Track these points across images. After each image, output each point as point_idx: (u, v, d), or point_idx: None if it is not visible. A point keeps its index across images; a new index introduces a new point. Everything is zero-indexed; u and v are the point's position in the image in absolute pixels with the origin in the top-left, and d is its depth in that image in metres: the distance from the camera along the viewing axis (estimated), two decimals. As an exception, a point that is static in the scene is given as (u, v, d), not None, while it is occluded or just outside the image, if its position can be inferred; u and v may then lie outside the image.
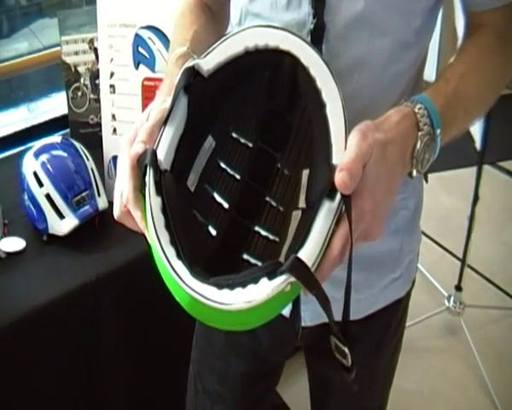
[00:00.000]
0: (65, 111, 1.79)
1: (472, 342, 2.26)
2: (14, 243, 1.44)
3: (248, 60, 0.73)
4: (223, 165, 0.79)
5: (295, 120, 0.77)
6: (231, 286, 0.62)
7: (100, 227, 1.46)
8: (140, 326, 1.49)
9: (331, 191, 0.64)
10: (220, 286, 0.62)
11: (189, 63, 0.73)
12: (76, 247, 1.43)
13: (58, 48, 1.75)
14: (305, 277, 0.61)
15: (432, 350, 2.34)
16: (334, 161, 0.66)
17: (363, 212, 0.66)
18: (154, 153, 0.69)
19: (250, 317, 0.63)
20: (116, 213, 0.74)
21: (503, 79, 0.86)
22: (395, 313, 1.08)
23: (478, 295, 2.49)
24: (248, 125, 0.80)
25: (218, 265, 0.71)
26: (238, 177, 0.79)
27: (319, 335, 0.93)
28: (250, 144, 0.80)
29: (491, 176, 2.89)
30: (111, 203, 1.47)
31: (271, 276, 0.61)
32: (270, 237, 0.76)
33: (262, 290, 0.60)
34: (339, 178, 0.63)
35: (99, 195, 1.46)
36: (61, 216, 1.42)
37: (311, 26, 0.80)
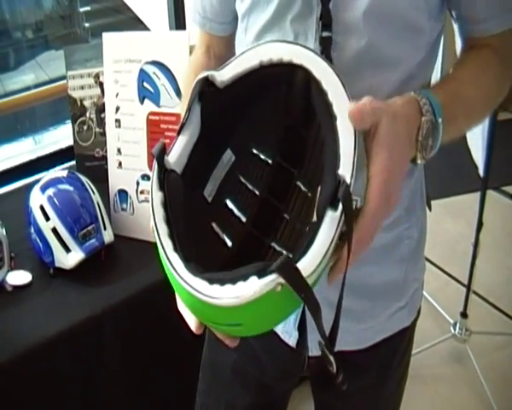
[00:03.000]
0: (70, 142, 1.82)
1: (478, 368, 2.25)
2: (21, 277, 1.46)
3: (263, 73, 0.74)
4: (243, 179, 0.81)
5: (311, 136, 0.77)
6: (222, 282, 0.63)
7: (106, 260, 1.48)
8: (145, 359, 1.50)
9: (334, 200, 0.64)
10: (211, 281, 0.63)
11: (203, 74, 0.74)
12: (82, 280, 1.44)
13: (64, 81, 1.78)
14: (294, 278, 0.61)
15: (438, 378, 2.32)
16: (341, 171, 0.65)
17: (383, 164, 0.67)
18: (163, 148, 0.71)
19: (241, 315, 0.64)
20: None
21: (499, 91, 0.88)
22: (400, 342, 1.08)
23: (483, 322, 2.48)
24: (268, 142, 0.81)
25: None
26: (257, 192, 0.80)
27: (325, 365, 0.94)
28: (270, 161, 0.81)
29: (494, 201, 2.90)
30: (117, 237, 1.50)
31: (261, 275, 0.61)
32: (284, 252, 0.76)
33: (250, 287, 0.61)
34: (351, 109, 0.66)
35: (105, 228, 1.47)
36: (68, 250, 1.43)
37: None
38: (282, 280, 0.60)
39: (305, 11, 0.82)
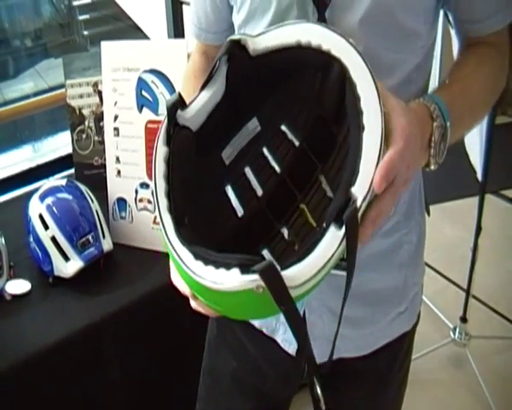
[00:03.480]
0: (69, 150, 1.82)
1: (478, 373, 2.24)
2: (20, 286, 1.46)
3: (301, 54, 0.71)
4: (266, 152, 0.79)
5: (340, 136, 0.74)
6: (206, 261, 0.62)
7: (105, 269, 1.48)
8: (144, 367, 1.50)
9: (339, 218, 0.61)
10: (196, 256, 0.63)
11: (235, 36, 0.72)
12: (81, 289, 1.44)
13: (63, 89, 1.79)
14: (276, 286, 0.59)
15: (438, 382, 2.32)
16: (355, 190, 0.62)
17: (408, 132, 0.65)
18: (176, 101, 0.70)
19: (218, 298, 0.63)
20: None
21: (498, 84, 0.90)
22: (401, 347, 1.08)
23: (483, 326, 2.47)
24: (297, 124, 0.78)
25: (233, 246, 0.69)
26: (278, 170, 0.79)
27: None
28: (297, 143, 0.78)
29: (493, 204, 2.89)
30: (116, 245, 1.50)
31: (244, 270, 0.59)
32: (291, 244, 0.75)
33: (229, 280, 0.60)
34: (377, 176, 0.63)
35: (104, 237, 1.47)
36: (67, 258, 1.43)
37: None
38: (262, 284, 0.58)
39: (301, 20, 0.83)
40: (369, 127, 0.64)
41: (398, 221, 0.94)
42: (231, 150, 0.78)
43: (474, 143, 2.09)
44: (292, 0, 0.82)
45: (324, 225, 0.62)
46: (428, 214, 1.05)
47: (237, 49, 0.72)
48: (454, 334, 2.37)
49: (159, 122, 1.46)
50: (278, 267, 0.59)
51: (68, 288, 1.45)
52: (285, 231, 0.76)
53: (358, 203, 0.61)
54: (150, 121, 1.48)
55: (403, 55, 0.84)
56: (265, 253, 0.75)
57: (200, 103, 0.73)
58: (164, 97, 1.45)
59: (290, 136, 0.79)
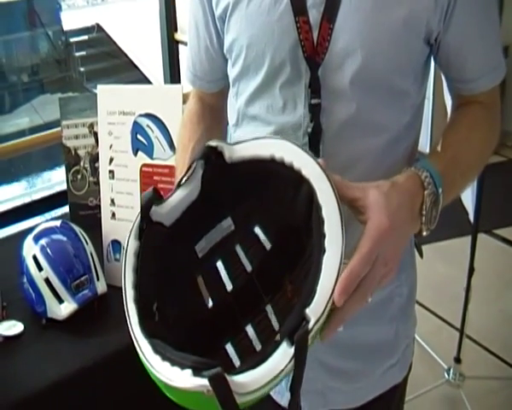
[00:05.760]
0: (64, 187, 1.83)
1: (473, 414, 2.24)
2: (12, 327, 1.44)
3: (274, 169, 0.76)
4: (238, 250, 0.82)
5: (308, 248, 0.76)
6: (163, 357, 0.65)
7: (99, 311, 1.47)
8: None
9: (292, 336, 0.64)
10: (156, 350, 0.66)
11: (214, 142, 0.77)
12: (74, 331, 1.43)
13: (58, 128, 1.80)
14: (222, 394, 0.61)
15: (433, 424, 2.31)
16: (309, 311, 0.65)
17: (382, 228, 0.68)
18: (151, 198, 0.74)
19: (172, 392, 0.65)
20: None
21: (490, 146, 0.92)
22: (392, 398, 1.08)
23: (477, 366, 2.47)
24: (270, 229, 0.82)
25: (200, 336, 0.75)
26: (249, 269, 0.82)
27: None
28: (268, 246, 0.82)
29: (486, 243, 2.91)
30: (110, 287, 1.50)
31: (196, 373, 0.62)
32: (254, 343, 0.77)
33: (181, 379, 0.62)
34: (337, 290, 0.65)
35: (98, 279, 1.47)
36: (60, 300, 1.43)
37: (309, 130, 0.85)
38: (211, 389, 0.61)
39: (294, 78, 0.85)
40: (329, 251, 0.67)
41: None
42: (205, 244, 0.82)
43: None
44: (285, 58, 0.84)
45: (279, 338, 0.65)
46: (421, 256, 1.05)
47: (213, 156, 0.77)
48: (448, 375, 2.36)
49: (154, 166, 1.48)
50: (227, 376, 0.61)
51: (61, 330, 1.44)
52: (250, 330, 0.79)
53: (310, 325, 0.64)
54: (145, 165, 1.49)
55: (393, 114, 0.86)
56: (229, 347, 0.77)
57: (175, 200, 0.77)
58: (159, 141, 1.47)
59: (262, 238, 0.82)
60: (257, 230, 0.82)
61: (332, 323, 0.67)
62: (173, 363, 0.64)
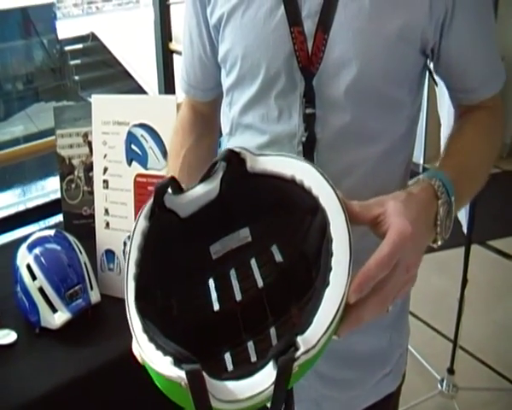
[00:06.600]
0: (58, 195, 1.83)
1: (466, 425, 2.24)
2: (6, 336, 1.44)
3: (294, 191, 0.75)
4: (253, 264, 0.82)
5: (316, 281, 0.74)
6: (150, 338, 0.66)
7: (92, 320, 1.47)
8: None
9: (278, 359, 0.63)
10: (144, 329, 0.67)
11: (236, 148, 0.76)
12: (68, 340, 1.43)
13: (53, 137, 1.80)
14: (197, 391, 0.60)
15: (426, 435, 2.31)
16: (301, 339, 0.64)
17: (404, 232, 0.66)
18: (165, 185, 0.75)
19: (154, 375, 0.66)
20: None
21: (495, 151, 0.92)
22: (386, 407, 1.09)
23: (470, 377, 2.47)
24: (285, 251, 0.82)
25: (199, 337, 0.75)
26: (260, 285, 0.81)
27: None
28: (281, 268, 0.82)
29: (479, 255, 2.92)
30: (103, 296, 1.50)
31: (176, 363, 0.63)
32: (252, 359, 0.77)
33: (161, 364, 0.63)
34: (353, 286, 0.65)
35: (92, 288, 1.47)
36: (54, 309, 1.42)
37: (304, 139, 0.85)
38: (187, 382, 0.61)
39: (289, 88, 0.85)
40: (332, 285, 0.67)
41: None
42: (220, 248, 0.82)
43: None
44: (280, 68, 0.84)
45: (267, 358, 0.64)
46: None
47: (236, 161, 0.77)
48: (441, 386, 2.36)
49: (148, 176, 1.48)
50: (207, 376, 0.61)
51: (55, 339, 1.43)
52: (250, 345, 0.78)
53: (298, 354, 0.63)
54: (139, 175, 1.49)
55: (387, 124, 0.86)
56: (227, 356, 0.77)
57: (194, 194, 0.77)
58: (153, 151, 1.47)
59: (278, 259, 0.82)
60: (274, 249, 0.82)
61: (349, 320, 0.66)
62: (158, 347, 0.65)
